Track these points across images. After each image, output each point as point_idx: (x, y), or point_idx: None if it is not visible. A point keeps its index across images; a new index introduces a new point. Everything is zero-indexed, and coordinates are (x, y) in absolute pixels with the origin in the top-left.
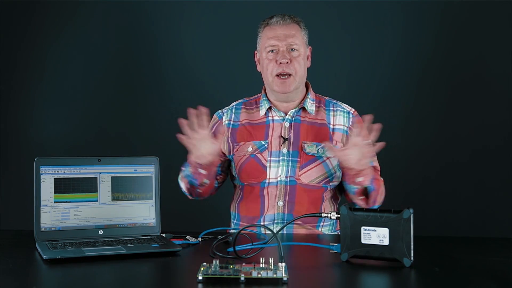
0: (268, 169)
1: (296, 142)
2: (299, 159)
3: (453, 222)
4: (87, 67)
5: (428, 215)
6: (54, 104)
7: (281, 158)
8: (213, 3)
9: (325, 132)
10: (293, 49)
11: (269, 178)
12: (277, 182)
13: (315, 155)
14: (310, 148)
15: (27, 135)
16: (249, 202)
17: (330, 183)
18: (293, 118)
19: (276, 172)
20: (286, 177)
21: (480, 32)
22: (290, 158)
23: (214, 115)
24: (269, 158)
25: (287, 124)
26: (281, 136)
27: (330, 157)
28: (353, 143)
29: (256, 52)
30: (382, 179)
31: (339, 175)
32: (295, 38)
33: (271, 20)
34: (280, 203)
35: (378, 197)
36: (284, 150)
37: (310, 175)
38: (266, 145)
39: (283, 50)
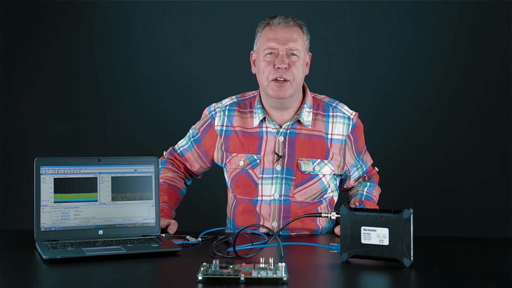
0: (260, 186)
1: (291, 159)
2: (294, 177)
3: (453, 222)
4: (87, 67)
5: (428, 215)
6: (54, 104)
7: (274, 175)
8: (211, 3)
9: (322, 146)
10: (293, 54)
11: (261, 196)
12: (270, 201)
13: (311, 173)
14: (306, 166)
15: (27, 135)
16: (245, 214)
17: (325, 196)
18: (288, 131)
19: (270, 190)
20: (280, 195)
21: (480, 32)
22: (284, 176)
23: (206, 111)
24: (261, 175)
25: (281, 138)
26: (275, 153)
27: (325, 174)
28: None
29: (252, 52)
30: (376, 173)
31: (333, 186)
32: (296, 43)
33: (272, 20)
34: (275, 224)
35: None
36: (278, 168)
37: (305, 193)
38: (258, 160)
39: (282, 54)
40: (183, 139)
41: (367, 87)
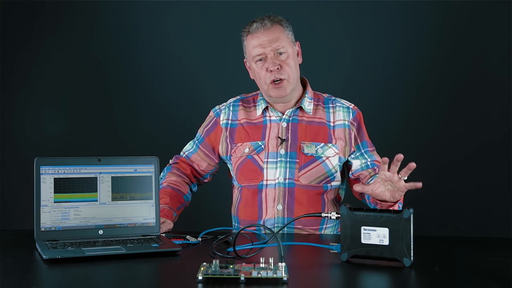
0: (265, 170)
1: (294, 142)
2: (297, 160)
3: (453, 222)
4: (87, 67)
5: (428, 215)
6: (54, 104)
7: (278, 159)
8: (210, 2)
9: (324, 131)
10: (280, 53)
11: (266, 180)
12: (275, 184)
13: (314, 155)
14: (309, 149)
15: (27, 135)
16: (247, 205)
17: (332, 183)
18: (290, 118)
19: (274, 173)
20: (285, 179)
21: (480, 32)
22: (288, 159)
23: (211, 113)
24: (266, 160)
25: (284, 124)
26: (279, 137)
27: (329, 156)
28: (385, 178)
29: (245, 60)
30: None
31: (339, 176)
32: (280, 41)
33: (251, 27)
34: (280, 207)
35: None
36: (282, 151)
37: (310, 176)
38: (263, 146)
39: (271, 57)
40: (188, 144)
41: (365, 86)
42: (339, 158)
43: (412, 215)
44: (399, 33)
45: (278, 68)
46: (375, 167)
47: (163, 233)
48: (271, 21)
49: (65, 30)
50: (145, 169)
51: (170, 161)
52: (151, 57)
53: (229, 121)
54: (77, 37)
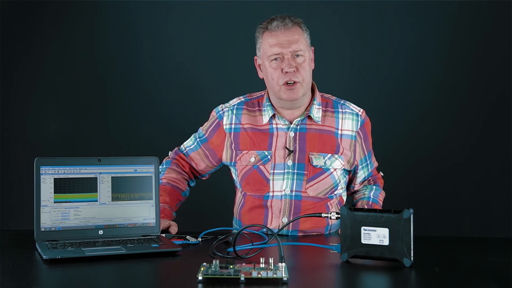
0: (271, 182)
1: (302, 153)
2: (306, 172)
3: (453, 222)
4: (87, 67)
5: (428, 215)
6: (54, 104)
7: (286, 170)
8: (210, 2)
9: (332, 141)
10: (298, 55)
11: (273, 191)
12: (281, 196)
13: (323, 167)
14: (318, 161)
15: (27, 135)
16: (252, 212)
17: (335, 192)
18: (298, 127)
19: (281, 185)
20: (291, 191)
21: (480, 31)
22: (295, 171)
23: (213, 112)
24: (272, 171)
25: (291, 134)
26: (286, 148)
27: (336, 168)
28: None
29: (256, 58)
30: (381, 177)
31: (343, 183)
32: (299, 44)
33: (271, 24)
34: (285, 220)
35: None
36: (289, 163)
37: (318, 188)
38: (269, 156)
39: (288, 58)
40: (189, 139)
41: (367, 88)
42: (344, 169)
43: (412, 215)
44: (402, 36)
45: (294, 71)
46: (370, 178)
47: (164, 233)
48: (292, 21)
49: (66, 30)
50: (145, 169)
51: (170, 154)
52: (151, 58)
53: (232, 125)
54: (77, 38)
